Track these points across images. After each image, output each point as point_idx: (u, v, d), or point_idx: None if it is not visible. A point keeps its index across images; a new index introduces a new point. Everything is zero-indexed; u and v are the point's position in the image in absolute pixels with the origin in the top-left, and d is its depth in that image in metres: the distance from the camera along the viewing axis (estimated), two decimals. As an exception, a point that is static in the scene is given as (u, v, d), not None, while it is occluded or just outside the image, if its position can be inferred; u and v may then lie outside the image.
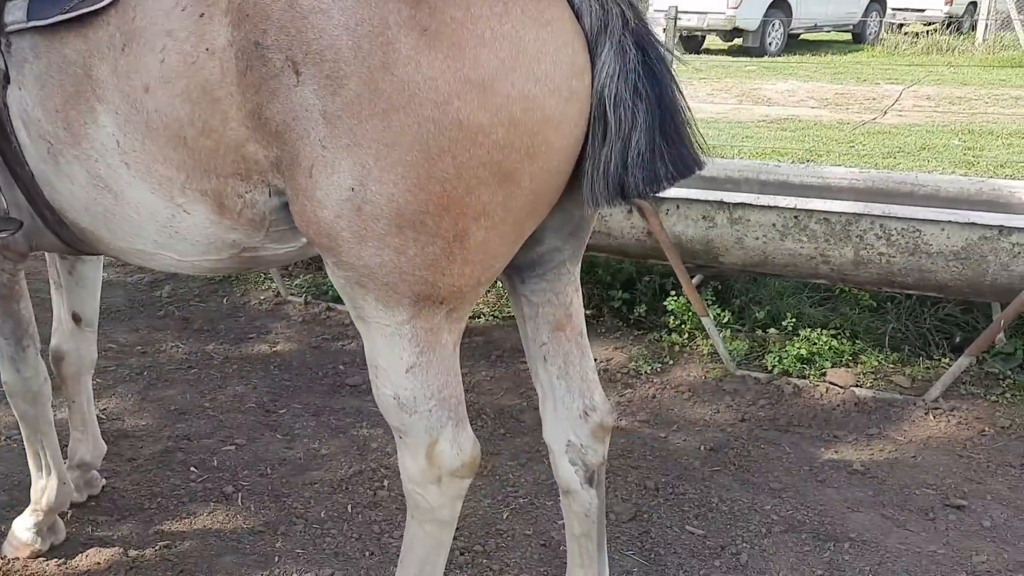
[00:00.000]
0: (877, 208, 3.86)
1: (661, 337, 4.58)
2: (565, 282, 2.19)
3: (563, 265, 2.18)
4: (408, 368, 1.93)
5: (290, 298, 5.21)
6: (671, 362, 4.39)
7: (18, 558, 2.83)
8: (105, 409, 3.91)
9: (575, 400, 2.27)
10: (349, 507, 3.18)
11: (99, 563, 2.85)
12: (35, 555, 2.84)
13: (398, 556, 2.17)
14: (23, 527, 2.84)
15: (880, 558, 2.96)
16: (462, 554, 2.92)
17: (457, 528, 3.04)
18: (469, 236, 1.79)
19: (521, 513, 3.17)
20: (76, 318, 2.90)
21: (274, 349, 4.60)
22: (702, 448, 3.64)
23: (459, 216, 1.76)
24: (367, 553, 2.94)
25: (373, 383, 2.02)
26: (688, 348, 4.51)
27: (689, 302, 4.37)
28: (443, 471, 2.08)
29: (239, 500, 3.23)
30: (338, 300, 5.15)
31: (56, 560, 2.85)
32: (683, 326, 4.55)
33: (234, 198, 1.91)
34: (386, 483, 3.35)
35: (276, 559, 2.90)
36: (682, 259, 4.41)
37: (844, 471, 3.48)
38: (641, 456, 3.58)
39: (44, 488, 2.83)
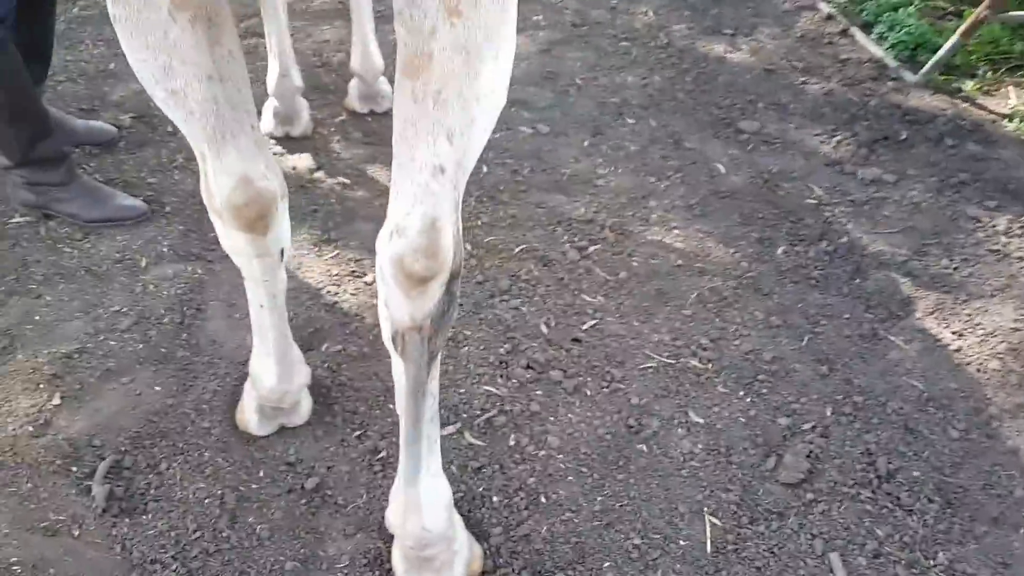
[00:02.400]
0: None
1: None
2: None
3: None
4: (114, 17, 1.28)
5: None
6: None
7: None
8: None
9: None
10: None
11: (295, 169, 2.84)
12: (270, 136, 2.94)
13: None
14: (267, 108, 2.94)
15: None
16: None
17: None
18: None
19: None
20: None
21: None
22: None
23: None
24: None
25: None
26: None
27: None
28: (213, 202, 1.47)
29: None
30: None
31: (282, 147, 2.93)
32: None
33: None
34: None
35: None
36: None
37: None
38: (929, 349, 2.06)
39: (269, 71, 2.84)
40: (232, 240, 1.53)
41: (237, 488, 1.86)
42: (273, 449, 1.94)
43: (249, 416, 1.94)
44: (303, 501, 1.84)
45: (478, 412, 2.05)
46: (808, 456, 1.96)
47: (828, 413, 2.07)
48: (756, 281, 2.47)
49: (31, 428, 1.94)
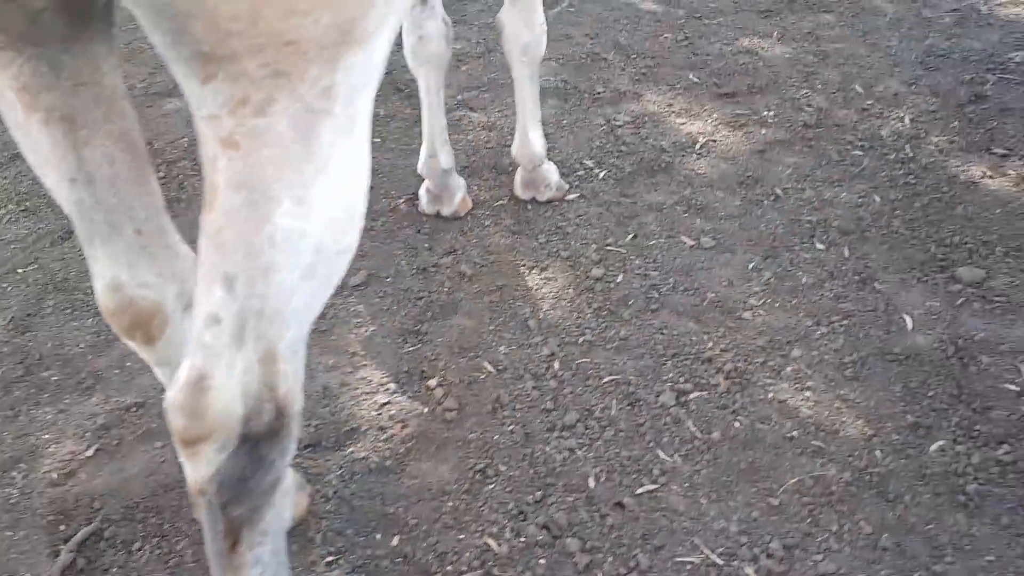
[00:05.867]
0: None
1: None
2: None
3: None
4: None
5: None
6: None
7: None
8: None
9: None
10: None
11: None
12: (424, 212, 2.92)
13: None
14: (422, 186, 2.91)
15: None
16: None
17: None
18: None
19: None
20: None
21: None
22: None
23: None
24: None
25: None
26: None
27: None
28: None
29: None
30: None
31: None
32: None
33: None
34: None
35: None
36: None
37: None
38: None
39: None
40: None
41: None
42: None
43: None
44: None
45: (464, 569, 1.79)
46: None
47: None
48: (883, 481, 1.92)
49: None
